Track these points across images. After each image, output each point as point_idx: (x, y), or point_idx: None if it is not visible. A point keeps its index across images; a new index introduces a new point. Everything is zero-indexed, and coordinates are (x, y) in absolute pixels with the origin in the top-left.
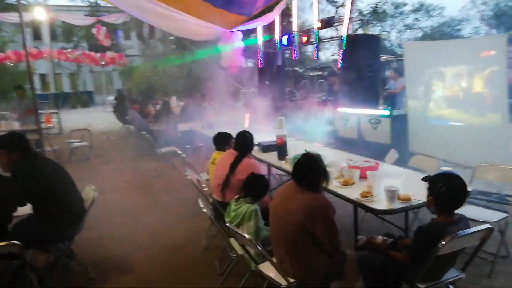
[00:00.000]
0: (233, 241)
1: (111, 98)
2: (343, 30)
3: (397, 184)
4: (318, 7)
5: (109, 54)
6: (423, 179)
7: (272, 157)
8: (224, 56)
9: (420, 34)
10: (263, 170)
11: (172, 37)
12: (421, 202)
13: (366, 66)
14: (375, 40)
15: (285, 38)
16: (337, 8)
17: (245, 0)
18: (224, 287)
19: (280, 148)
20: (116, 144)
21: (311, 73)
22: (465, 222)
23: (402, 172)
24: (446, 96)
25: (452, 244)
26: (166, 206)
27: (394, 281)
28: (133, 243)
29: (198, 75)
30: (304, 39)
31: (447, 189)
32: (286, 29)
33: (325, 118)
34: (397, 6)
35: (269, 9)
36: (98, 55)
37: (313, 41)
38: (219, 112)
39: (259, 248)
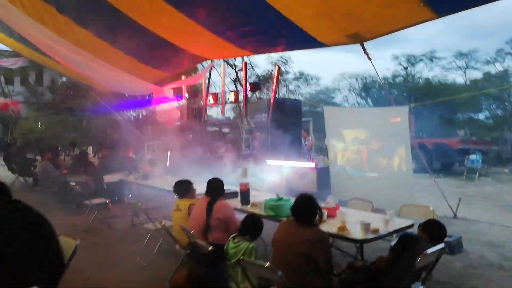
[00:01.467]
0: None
1: None
2: (271, 94)
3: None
4: (245, 74)
5: (1, 99)
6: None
7: (233, 202)
8: (160, 112)
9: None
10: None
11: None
12: (387, 232)
13: (291, 125)
14: (297, 103)
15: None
16: (236, 72)
17: (171, 61)
18: None
19: (244, 194)
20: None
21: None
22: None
23: (350, 212)
24: (360, 152)
25: (424, 258)
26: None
27: None
28: None
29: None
30: (232, 98)
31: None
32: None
33: (254, 169)
34: (281, 73)
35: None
36: None
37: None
38: (152, 163)
39: (279, 274)
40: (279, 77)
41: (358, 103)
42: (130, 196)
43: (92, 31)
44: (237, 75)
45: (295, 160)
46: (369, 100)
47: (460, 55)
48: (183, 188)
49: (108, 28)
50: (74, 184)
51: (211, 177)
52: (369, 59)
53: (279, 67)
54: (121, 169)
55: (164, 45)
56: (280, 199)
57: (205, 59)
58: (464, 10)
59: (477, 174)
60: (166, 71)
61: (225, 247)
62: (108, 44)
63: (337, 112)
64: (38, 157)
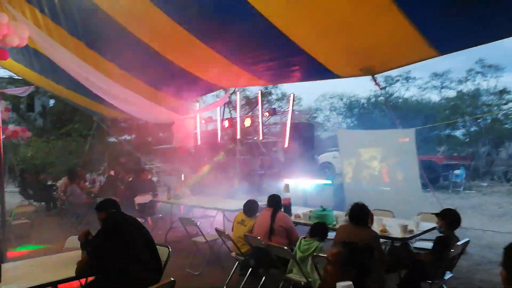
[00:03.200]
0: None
1: None
2: (288, 119)
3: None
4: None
5: (11, 127)
6: (437, 214)
7: None
8: (176, 137)
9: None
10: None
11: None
12: (420, 232)
13: (307, 147)
14: (311, 126)
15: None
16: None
17: (187, 89)
18: None
19: (286, 207)
20: (44, 222)
21: None
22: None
23: (377, 219)
24: (376, 168)
25: (456, 249)
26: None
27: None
28: None
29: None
30: (248, 123)
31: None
32: None
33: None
34: (263, 95)
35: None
36: None
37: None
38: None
39: None
40: (262, 99)
41: (342, 122)
42: (160, 215)
43: (116, 63)
44: (230, 99)
45: (309, 178)
46: (353, 120)
47: (436, 75)
48: (253, 208)
49: (130, 59)
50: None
51: (272, 194)
52: (381, 89)
53: (294, 95)
54: (146, 190)
55: (181, 74)
56: (324, 209)
57: (221, 88)
58: (464, 49)
59: (462, 187)
60: (182, 99)
61: (296, 246)
62: (128, 73)
63: (350, 134)
64: (60, 182)
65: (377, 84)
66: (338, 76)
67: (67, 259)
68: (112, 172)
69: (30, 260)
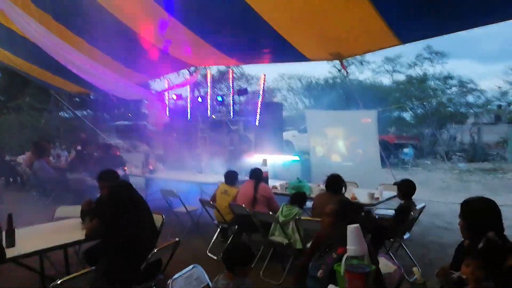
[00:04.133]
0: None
1: None
2: (259, 98)
3: None
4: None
5: None
6: (395, 184)
7: None
8: (151, 114)
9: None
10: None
11: None
12: (384, 199)
13: (275, 124)
14: (279, 106)
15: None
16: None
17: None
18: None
19: (265, 179)
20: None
21: None
22: None
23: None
24: (337, 147)
25: (415, 212)
26: None
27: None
28: None
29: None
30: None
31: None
32: None
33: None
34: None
35: None
36: None
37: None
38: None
39: None
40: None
41: (299, 101)
42: None
43: (84, 37)
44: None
45: (277, 154)
46: (311, 100)
47: (388, 59)
48: (233, 177)
49: (98, 32)
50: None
51: (254, 167)
52: (347, 73)
53: (265, 75)
54: (116, 166)
55: (150, 50)
56: (300, 181)
57: (191, 66)
58: (424, 39)
59: (410, 165)
60: (150, 75)
61: (278, 212)
62: (98, 49)
63: (317, 114)
64: (23, 156)
65: (344, 68)
66: (308, 59)
67: (62, 226)
68: (79, 147)
69: (33, 226)
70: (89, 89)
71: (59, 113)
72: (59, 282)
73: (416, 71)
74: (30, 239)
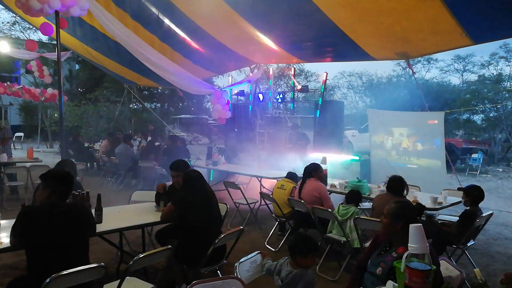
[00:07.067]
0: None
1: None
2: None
3: None
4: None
5: (50, 90)
6: (460, 189)
7: None
8: (214, 110)
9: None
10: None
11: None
12: (448, 204)
13: (335, 123)
14: (340, 104)
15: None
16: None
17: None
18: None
19: (325, 177)
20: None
21: None
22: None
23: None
24: (400, 148)
25: (481, 220)
26: None
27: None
28: None
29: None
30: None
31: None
32: None
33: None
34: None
35: None
36: (39, 90)
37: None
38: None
39: None
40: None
41: (360, 100)
42: None
43: (157, 35)
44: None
45: (336, 153)
46: (372, 99)
47: (458, 58)
48: (294, 177)
49: (172, 33)
50: None
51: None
52: (413, 73)
53: (327, 74)
54: (182, 157)
55: (219, 48)
56: (360, 181)
57: (253, 63)
58: (498, 40)
59: (478, 171)
60: (215, 72)
61: (335, 211)
62: (169, 46)
63: (381, 114)
64: (101, 144)
65: (410, 68)
66: (373, 59)
67: (139, 208)
68: (149, 138)
69: (113, 207)
70: (158, 83)
71: (130, 105)
72: (141, 256)
73: (490, 71)
74: (112, 218)
